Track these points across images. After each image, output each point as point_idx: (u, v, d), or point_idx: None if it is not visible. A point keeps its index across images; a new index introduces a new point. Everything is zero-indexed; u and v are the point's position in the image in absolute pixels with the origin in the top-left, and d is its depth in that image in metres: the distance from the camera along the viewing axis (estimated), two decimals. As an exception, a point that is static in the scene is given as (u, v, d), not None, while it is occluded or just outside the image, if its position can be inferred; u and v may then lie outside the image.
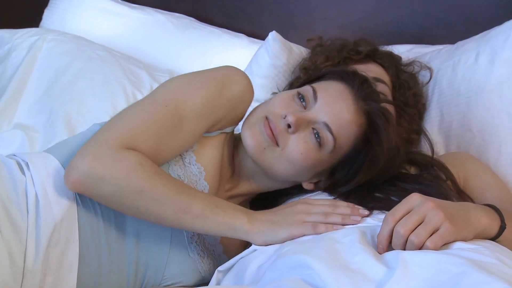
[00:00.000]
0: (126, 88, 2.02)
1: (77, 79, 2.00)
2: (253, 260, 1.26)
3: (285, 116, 1.37)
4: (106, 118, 1.72)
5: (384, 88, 1.79)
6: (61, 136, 1.88)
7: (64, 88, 1.98)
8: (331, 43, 1.91)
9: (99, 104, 1.97)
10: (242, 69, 1.96)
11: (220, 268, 1.30)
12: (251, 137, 1.39)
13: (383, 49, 1.92)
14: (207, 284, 1.38)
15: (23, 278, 1.22)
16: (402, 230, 1.13)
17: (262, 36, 2.11)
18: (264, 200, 1.55)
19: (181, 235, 1.39)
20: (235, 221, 1.30)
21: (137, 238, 1.34)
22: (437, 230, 1.14)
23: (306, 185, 1.47)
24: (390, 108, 1.52)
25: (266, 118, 1.39)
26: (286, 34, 1.99)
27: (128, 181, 1.24)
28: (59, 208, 1.27)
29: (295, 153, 1.38)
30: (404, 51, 2.01)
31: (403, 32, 2.16)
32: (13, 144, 1.92)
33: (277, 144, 1.38)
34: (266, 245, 1.29)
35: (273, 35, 1.92)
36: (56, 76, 2.00)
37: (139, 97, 2.00)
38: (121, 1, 2.35)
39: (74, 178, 1.24)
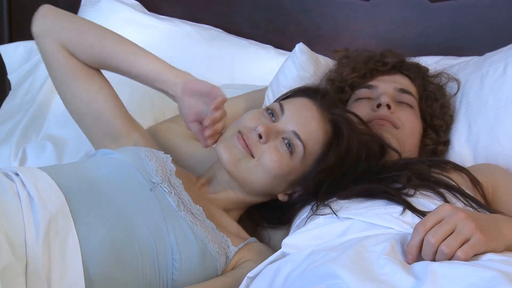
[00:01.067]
0: (154, 100, 2.04)
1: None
2: (282, 267, 1.26)
3: (256, 127, 1.50)
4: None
5: (410, 100, 1.78)
6: (89, 147, 1.90)
7: None
8: (357, 54, 1.91)
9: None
10: (269, 81, 1.98)
11: (249, 274, 1.30)
12: (226, 151, 1.51)
13: (410, 60, 1.92)
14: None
15: (26, 265, 1.24)
16: (432, 239, 1.13)
17: (289, 48, 2.10)
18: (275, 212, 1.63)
19: (170, 207, 1.44)
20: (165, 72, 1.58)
21: (133, 219, 1.38)
22: (467, 241, 1.14)
23: (281, 197, 1.58)
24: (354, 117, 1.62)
25: (239, 132, 1.52)
26: (313, 46, 1.99)
27: None
28: (53, 205, 1.32)
29: (269, 161, 1.49)
30: (431, 63, 2.00)
31: (431, 44, 2.16)
32: (41, 155, 1.94)
33: (252, 156, 1.50)
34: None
35: (300, 47, 1.92)
36: None
37: (166, 110, 2.03)
38: (149, 13, 2.37)
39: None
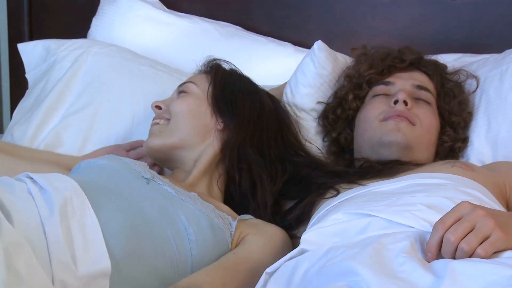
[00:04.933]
0: None
1: (115, 97, 2.02)
2: (300, 264, 1.26)
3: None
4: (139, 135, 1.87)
5: (428, 96, 1.78)
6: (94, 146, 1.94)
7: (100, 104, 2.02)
8: (375, 51, 1.91)
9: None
10: (287, 78, 1.99)
11: (268, 269, 1.30)
12: (148, 139, 1.72)
13: (428, 58, 1.91)
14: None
15: (47, 243, 1.25)
16: (452, 237, 1.13)
17: (307, 45, 2.11)
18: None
19: (170, 194, 1.50)
20: None
21: (142, 206, 1.42)
22: (487, 238, 1.13)
23: (218, 127, 1.70)
24: None
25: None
26: (332, 43, 2.00)
27: None
28: (66, 188, 1.34)
29: (177, 108, 1.69)
30: (451, 60, 1.99)
31: (450, 41, 2.15)
32: None
33: (168, 119, 1.69)
34: None
35: (318, 45, 1.92)
36: (95, 93, 2.03)
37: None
38: (168, 10, 2.38)
39: None
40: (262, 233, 1.54)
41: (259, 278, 1.31)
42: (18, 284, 1.13)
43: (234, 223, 1.54)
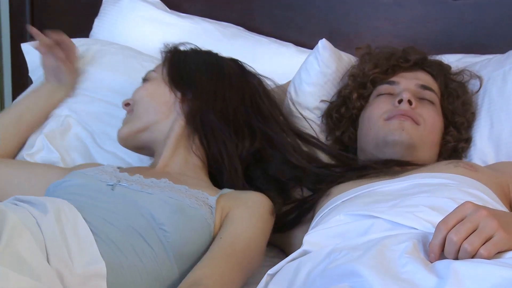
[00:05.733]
0: None
1: (117, 93, 2.02)
2: (303, 265, 1.26)
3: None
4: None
5: (432, 96, 1.78)
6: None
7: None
8: (380, 51, 1.91)
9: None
10: (290, 78, 1.98)
11: (269, 271, 1.30)
12: (122, 129, 1.74)
13: (432, 58, 1.91)
14: None
15: (45, 241, 1.26)
16: (455, 237, 1.13)
17: (309, 46, 2.11)
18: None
19: (136, 192, 1.49)
20: None
21: (110, 217, 1.42)
22: (490, 238, 1.13)
23: (179, 100, 1.70)
24: None
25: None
26: (334, 44, 1.99)
27: None
28: (56, 201, 1.38)
29: (139, 95, 1.72)
30: (453, 60, 1.99)
31: (453, 41, 2.15)
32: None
33: (132, 110, 1.72)
34: None
35: (323, 43, 1.92)
36: (99, 89, 2.04)
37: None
38: (170, 10, 2.38)
39: None
40: (244, 205, 1.53)
41: (254, 253, 1.36)
42: (20, 265, 1.15)
43: (213, 198, 1.52)
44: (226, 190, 1.60)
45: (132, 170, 1.62)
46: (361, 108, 1.84)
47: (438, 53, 1.96)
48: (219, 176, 1.69)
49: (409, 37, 2.15)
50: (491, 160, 1.78)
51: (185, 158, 1.68)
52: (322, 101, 1.92)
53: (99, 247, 1.32)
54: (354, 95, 1.84)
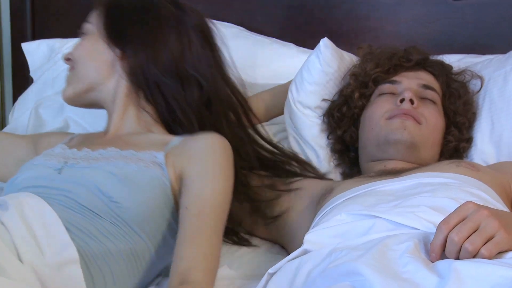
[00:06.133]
0: None
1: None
2: (303, 265, 1.26)
3: None
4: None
5: (434, 96, 1.79)
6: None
7: None
8: (381, 50, 1.91)
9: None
10: (292, 76, 1.98)
11: (270, 270, 1.30)
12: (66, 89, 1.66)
13: (434, 58, 1.91)
14: None
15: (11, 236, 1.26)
16: (456, 237, 1.13)
17: (310, 46, 2.10)
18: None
19: (82, 168, 1.47)
20: None
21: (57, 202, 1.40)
22: (491, 238, 1.13)
23: (119, 56, 1.61)
24: None
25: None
26: (335, 44, 1.99)
27: None
28: (18, 195, 1.36)
29: (77, 54, 1.64)
30: (454, 60, 1.99)
31: (454, 42, 2.16)
32: None
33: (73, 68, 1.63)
34: None
35: (324, 42, 1.92)
36: None
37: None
38: (171, 11, 2.37)
39: None
40: (198, 159, 1.48)
41: (224, 207, 1.42)
42: None
43: (161, 155, 1.48)
44: (175, 141, 1.54)
45: (82, 143, 1.60)
46: (362, 108, 1.84)
47: (438, 53, 1.96)
48: (175, 127, 1.62)
49: (409, 37, 2.15)
50: (492, 160, 1.78)
51: (137, 116, 1.62)
52: (323, 100, 1.92)
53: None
54: (356, 94, 1.84)
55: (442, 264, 1.11)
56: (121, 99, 1.61)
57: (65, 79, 1.66)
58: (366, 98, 1.84)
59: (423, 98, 1.76)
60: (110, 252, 1.36)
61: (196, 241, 1.39)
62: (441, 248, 1.15)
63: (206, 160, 1.48)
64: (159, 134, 1.59)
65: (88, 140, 1.62)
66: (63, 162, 1.49)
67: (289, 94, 1.93)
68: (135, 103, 1.62)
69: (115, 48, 1.60)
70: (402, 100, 1.72)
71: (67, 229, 1.32)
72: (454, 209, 1.18)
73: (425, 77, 1.82)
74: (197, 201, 1.43)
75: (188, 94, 1.60)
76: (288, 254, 1.39)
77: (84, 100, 1.64)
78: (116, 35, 1.61)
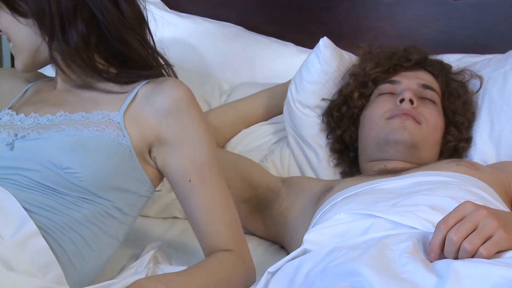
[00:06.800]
0: None
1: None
2: (303, 264, 1.26)
3: None
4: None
5: (433, 96, 1.79)
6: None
7: None
8: (381, 50, 1.91)
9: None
10: (291, 76, 1.98)
11: (270, 269, 1.30)
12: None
13: (433, 58, 1.91)
14: None
15: None
16: (455, 237, 1.12)
17: (310, 45, 2.11)
18: None
19: (34, 140, 1.39)
20: None
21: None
22: (490, 238, 1.13)
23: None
24: None
25: None
26: (334, 44, 1.99)
27: None
28: None
29: None
30: (454, 60, 2.00)
31: (453, 41, 2.16)
32: None
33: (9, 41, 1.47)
34: None
35: (324, 41, 1.92)
36: None
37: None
38: (170, 10, 2.38)
39: None
40: (170, 117, 1.41)
41: (216, 158, 1.41)
42: None
43: (115, 114, 1.41)
44: (131, 95, 1.44)
45: (29, 101, 1.51)
46: (362, 107, 1.84)
47: (438, 53, 1.96)
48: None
49: (409, 37, 2.15)
50: (491, 160, 1.78)
51: (81, 68, 1.46)
52: (323, 99, 1.92)
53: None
54: (355, 94, 1.84)
55: (441, 264, 1.11)
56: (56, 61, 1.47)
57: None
58: (365, 98, 1.84)
59: (422, 98, 1.76)
60: (77, 220, 1.33)
61: (215, 214, 1.40)
62: (440, 248, 1.15)
63: (183, 120, 1.42)
64: (110, 84, 1.47)
65: (38, 96, 1.53)
66: (13, 134, 1.41)
67: (289, 94, 1.93)
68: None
69: (20, 17, 1.44)
70: (402, 100, 1.72)
71: (26, 209, 1.28)
72: (453, 208, 1.18)
73: (425, 77, 1.83)
74: (194, 168, 1.41)
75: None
76: (288, 253, 1.38)
77: (36, 65, 1.51)
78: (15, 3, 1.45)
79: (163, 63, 1.52)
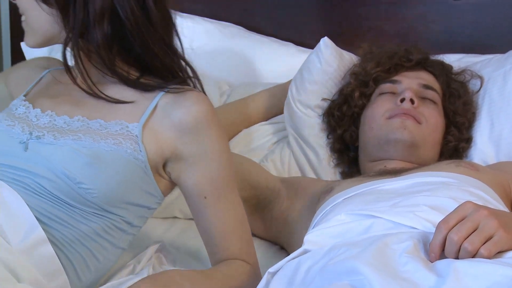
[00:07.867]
0: None
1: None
2: (302, 263, 1.26)
3: None
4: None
5: (434, 96, 1.79)
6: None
7: None
8: (382, 50, 1.91)
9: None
10: (292, 76, 1.98)
11: (270, 269, 1.30)
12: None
13: (434, 58, 1.91)
14: None
15: None
16: (455, 237, 1.12)
17: (309, 45, 2.11)
18: None
19: (48, 145, 1.35)
20: None
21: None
22: (490, 238, 1.13)
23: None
24: None
25: None
26: (335, 44, 2.00)
27: None
28: None
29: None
30: (454, 60, 2.00)
31: (454, 41, 2.16)
32: None
33: None
34: None
35: (324, 41, 1.93)
36: None
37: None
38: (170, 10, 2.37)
39: None
40: (189, 134, 1.37)
41: (233, 175, 1.41)
42: None
43: (134, 126, 1.36)
44: (151, 107, 1.38)
45: (45, 93, 1.45)
46: (362, 107, 1.84)
47: (438, 53, 1.96)
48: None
49: (409, 37, 2.16)
50: (491, 160, 1.79)
51: (99, 67, 1.41)
52: (323, 99, 1.92)
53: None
54: (356, 94, 1.84)
55: (442, 264, 1.11)
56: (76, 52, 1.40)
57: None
58: (366, 97, 1.84)
59: (423, 98, 1.77)
60: (85, 233, 1.32)
61: (228, 229, 1.40)
62: (441, 248, 1.15)
63: (202, 139, 1.38)
64: (132, 90, 1.41)
65: (55, 88, 1.46)
66: (28, 132, 1.37)
67: (289, 93, 1.94)
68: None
69: (42, 3, 1.37)
70: (402, 100, 1.72)
71: (37, 219, 1.27)
72: (453, 209, 1.18)
73: (426, 77, 1.83)
74: (210, 187, 1.39)
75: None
76: (288, 253, 1.38)
77: (48, 44, 1.44)
78: None
79: (191, 74, 1.47)
